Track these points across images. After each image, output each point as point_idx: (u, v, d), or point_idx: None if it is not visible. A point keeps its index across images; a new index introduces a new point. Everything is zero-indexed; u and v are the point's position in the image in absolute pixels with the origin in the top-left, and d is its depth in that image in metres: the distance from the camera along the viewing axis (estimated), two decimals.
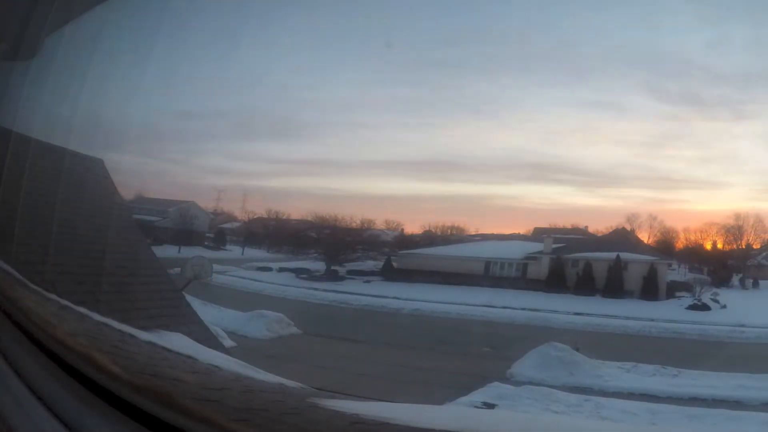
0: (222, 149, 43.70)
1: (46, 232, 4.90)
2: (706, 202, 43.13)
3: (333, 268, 34.52)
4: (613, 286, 29.23)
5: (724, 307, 26.99)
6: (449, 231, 40.62)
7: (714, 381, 15.16)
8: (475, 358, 17.88)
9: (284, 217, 42.93)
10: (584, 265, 30.49)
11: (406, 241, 38.64)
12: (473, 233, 39.25)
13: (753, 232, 34.43)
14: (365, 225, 39.13)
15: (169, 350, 1.66)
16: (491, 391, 13.96)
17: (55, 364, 1.52)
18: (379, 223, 40.21)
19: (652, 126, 36.51)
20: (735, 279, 33.69)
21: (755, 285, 32.65)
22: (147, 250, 10.28)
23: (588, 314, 25.57)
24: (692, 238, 36.95)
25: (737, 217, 34.26)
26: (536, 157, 40.39)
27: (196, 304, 12.02)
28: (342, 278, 33.64)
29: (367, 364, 16.44)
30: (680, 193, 43.32)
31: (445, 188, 45.60)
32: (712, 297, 28.54)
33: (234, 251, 41.06)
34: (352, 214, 38.88)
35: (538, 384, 14.71)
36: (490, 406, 12.41)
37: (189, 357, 1.68)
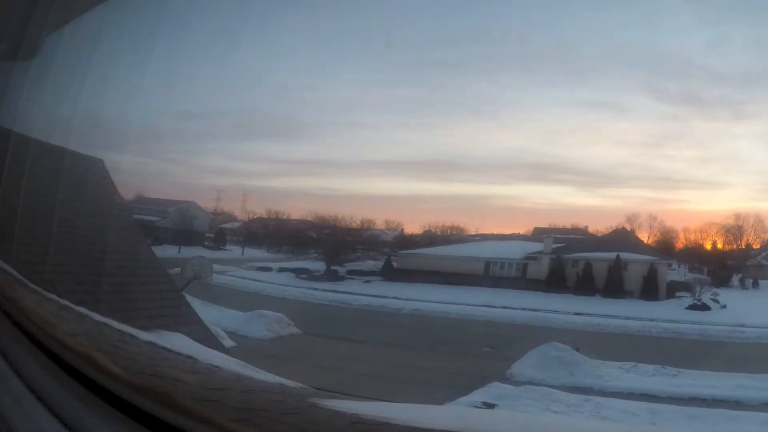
0: (222, 149, 43.79)
1: (46, 232, 4.90)
2: (706, 202, 43.28)
3: (333, 268, 34.53)
4: (613, 286, 29.23)
5: (724, 307, 26.99)
6: (449, 231, 40.66)
7: (714, 381, 15.16)
8: (475, 358, 17.89)
9: (284, 217, 42.98)
10: (584, 265, 30.49)
11: (406, 241, 38.65)
12: (473, 233, 39.29)
13: (753, 232, 34.47)
14: (365, 225, 39.16)
15: (169, 350, 1.66)
16: (491, 391, 13.96)
17: (55, 364, 1.52)
18: (379, 223, 40.26)
19: (652, 126, 36.58)
20: (735, 279, 33.69)
21: (755, 285, 32.65)
22: (147, 250, 10.28)
23: (588, 314, 25.57)
24: (692, 238, 36.99)
25: (737, 217, 34.31)
26: (536, 157, 40.54)
27: (196, 304, 12.02)
28: (342, 278, 33.65)
29: (367, 364, 16.44)
30: (680, 193, 43.48)
31: (445, 188, 45.67)
32: (712, 297, 28.55)
33: (234, 251, 41.07)
34: (352, 214, 38.95)
35: (538, 384, 14.71)
36: (490, 406, 12.41)
37: (189, 357, 1.68)
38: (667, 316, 25.29)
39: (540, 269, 31.44)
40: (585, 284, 29.60)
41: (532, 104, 37.96)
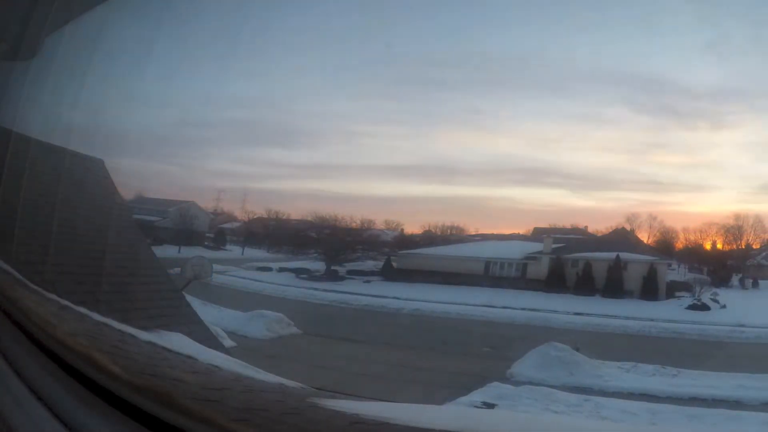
0: (223, 154, 44.44)
1: (46, 232, 4.90)
2: (698, 205, 43.74)
3: (333, 268, 34.53)
4: (613, 286, 29.23)
5: (724, 307, 27.00)
6: (449, 231, 40.66)
7: (714, 381, 15.16)
8: (475, 358, 17.89)
9: (284, 217, 42.98)
10: (584, 265, 30.49)
11: (406, 241, 38.65)
12: (473, 233, 39.31)
13: (752, 232, 34.48)
14: (365, 225, 39.16)
15: (169, 350, 1.66)
16: (491, 391, 13.96)
17: (55, 364, 1.52)
18: (379, 223, 40.27)
19: (633, 135, 38.02)
20: (735, 279, 33.70)
21: (755, 285, 32.65)
22: (147, 250, 10.27)
23: (588, 314, 25.57)
24: (692, 238, 37.01)
25: (737, 217, 34.34)
26: (527, 162, 41.91)
27: (196, 304, 12.02)
28: (342, 278, 33.65)
29: (367, 364, 16.44)
30: (672, 195, 44.36)
31: (442, 190, 46.24)
32: (712, 297, 28.55)
33: (234, 251, 41.06)
34: (352, 215, 39.02)
35: (538, 384, 14.71)
36: (490, 406, 12.41)
37: (189, 357, 1.68)
38: (666, 316, 25.29)
39: (540, 269, 31.44)
40: (585, 284, 29.60)
41: (517, 115, 39.17)
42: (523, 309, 26.51)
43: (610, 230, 35.70)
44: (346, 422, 1.10)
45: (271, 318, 20.57)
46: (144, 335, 1.79)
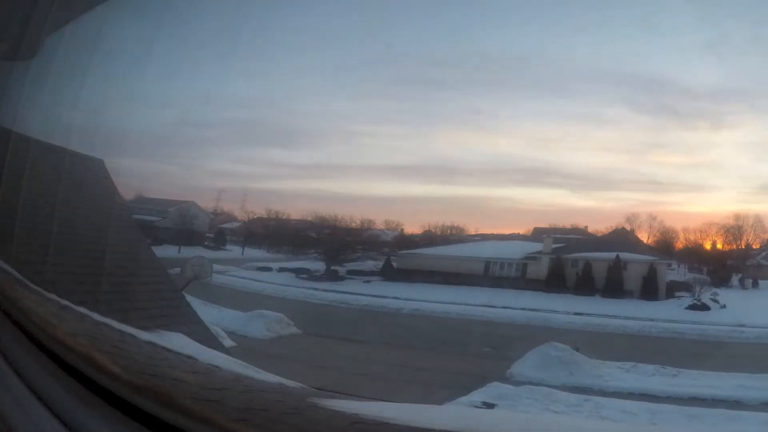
0: (223, 154, 44.54)
1: (46, 232, 4.90)
2: (698, 205, 43.82)
3: (333, 268, 34.53)
4: (613, 286, 29.23)
5: (724, 307, 27.00)
6: (449, 231, 40.67)
7: (714, 381, 15.16)
8: (474, 358, 17.89)
9: (284, 217, 42.99)
10: (584, 265, 30.50)
11: (406, 241, 38.65)
12: (473, 233, 39.32)
13: (752, 232, 34.48)
14: (365, 225, 39.16)
15: (169, 350, 1.66)
16: (491, 391, 13.96)
17: (55, 364, 1.52)
18: (379, 223, 40.28)
19: (633, 135, 38.12)
20: (734, 279, 33.70)
21: (755, 285, 32.65)
22: (147, 250, 10.27)
23: (588, 314, 25.57)
24: (692, 238, 37.02)
25: (737, 217, 34.34)
26: (527, 162, 42.20)
27: (196, 304, 12.02)
28: (342, 278, 33.65)
29: (367, 364, 16.44)
30: (672, 195, 44.48)
31: (442, 190, 46.34)
32: (712, 297, 28.54)
33: (234, 251, 41.06)
34: (352, 214, 39.05)
35: (538, 384, 14.71)
36: (490, 406, 12.41)
37: (189, 357, 1.68)
38: (666, 316, 25.29)
39: (540, 269, 31.44)
40: (585, 284, 29.60)
41: (517, 115, 39.19)
42: (523, 309, 26.51)
43: (610, 230, 35.74)
44: (346, 422, 1.10)
45: (271, 318, 20.57)
46: (144, 335, 1.79)
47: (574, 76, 37.16)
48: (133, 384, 1.26)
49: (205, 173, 47.41)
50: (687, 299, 28.22)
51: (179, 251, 29.73)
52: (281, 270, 35.54)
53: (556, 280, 30.19)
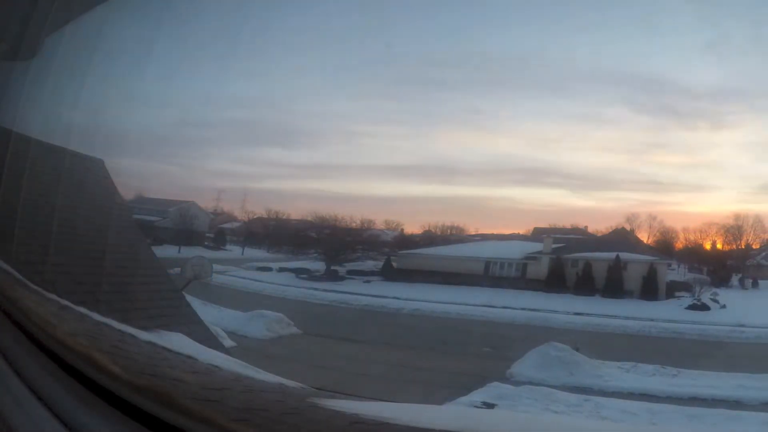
0: (224, 154, 44.65)
1: (46, 232, 4.90)
2: (699, 205, 43.91)
3: (333, 268, 34.53)
4: (613, 286, 29.23)
5: (724, 307, 27.00)
6: (449, 231, 40.68)
7: (714, 381, 15.16)
8: (474, 358, 17.89)
9: (284, 217, 43.00)
10: (584, 265, 30.49)
11: (406, 241, 38.66)
12: (473, 233, 39.33)
13: (752, 232, 34.48)
14: (365, 225, 39.16)
15: (169, 350, 1.66)
16: (491, 391, 13.96)
17: (55, 364, 1.52)
18: (379, 223, 40.30)
19: (633, 135, 38.16)
20: (734, 279, 33.70)
21: (755, 285, 32.65)
22: (147, 250, 10.27)
23: (588, 314, 25.57)
24: (692, 238, 37.03)
25: (737, 217, 34.35)
26: (527, 162, 42.46)
27: (196, 304, 12.02)
28: (342, 278, 33.65)
29: (367, 364, 16.44)
30: (672, 195, 44.62)
31: (442, 190, 46.47)
32: (712, 297, 28.54)
33: (234, 251, 41.06)
34: (352, 214, 39.08)
35: (538, 384, 14.71)
36: (490, 406, 12.41)
37: (189, 357, 1.68)
38: (666, 316, 25.29)
39: (540, 269, 31.44)
40: (585, 284, 29.60)
41: (517, 115, 39.32)
42: (523, 309, 26.51)
43: (610, 230, 35.74)
44: (346, 422, 1.10)
45: (271, 318, 20.57)
46: (144, 335, 1.79)
47: (573, 76, 37.42)
48: (133, 384, 1.26)
49: (205, 173, 47.53)
50: (687, 299, 28.22)
51: (179, 251, 29.73)
52: (281, 270, 35.54)
53: (556, 280, 30.19)
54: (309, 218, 40.24)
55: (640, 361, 16.82)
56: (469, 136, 40.25)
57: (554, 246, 32.08)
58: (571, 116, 38.67)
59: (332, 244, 35.68)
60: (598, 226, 38.25)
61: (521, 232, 38.42)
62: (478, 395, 13.41)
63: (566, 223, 38.75)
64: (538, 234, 35.61)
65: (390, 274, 33.89)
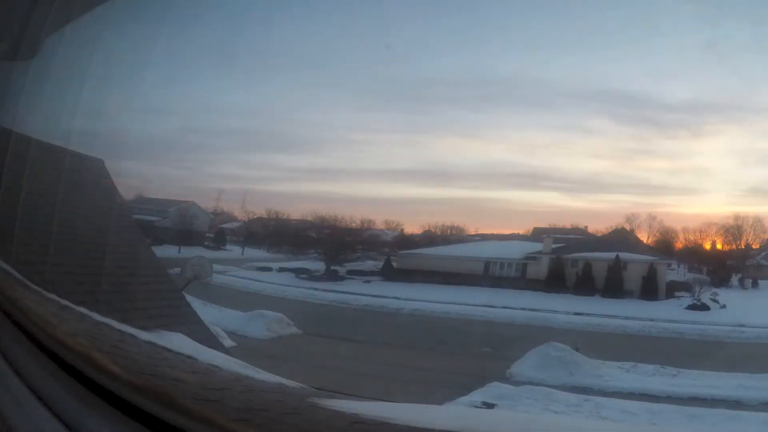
0: (228, 158, 45.34)
1: (46, 232, 4.90)
2: (693, 207, 44.32)
3: (333, 268, 34.53)
4: (613, 286, 29.23)
5: (724, 307, 27.00)
6: (449, 231, 40.70)
7: (714, 381, 15.17)
8: (474, 358, 17.89)
9: (284, 217, 43.01)
10: (584, 265, 30.49)
11: (405, 241, 38.67)
12: (473, 233, 39.36)
13: (752, 232, 34.50)
14: (365, 225, 39.17)
15: (169, 350, 1.66)
16: (491, 391, 13.97)
17: (55, 364, 1.52)
18: (379, 223, 40.33)
19: (617, 143, 40.35)
20: (734, 279, 33.71)
21: (754, 285, 32.66)
22: (147, 250, 10.27)
23: (588, 314, 25.57)
24: (691, 238, 37.04)
25: (736, 217, 34.37)
26: (519, 168, 44.81)
27: (196, 304, 12.02)
28: (342, 278, 33.65)
29: (367, 364, 16.44)
30: (663, 198, 45.38)
31: (441, 192, 46.95)
32: (712, 297, 28.55)
33: (234, 251, 41.07)
34: (352, 215, 39.18)
35: (538, 384, 14.72)
36: (489, 406, 12.41)
37: (189, 357, 1.68)
38: (666, 316, 25.29)
39: (540, 269, 31.44)
40: (585, 284, 29.60)
41: (507, 125, 41.17)
42: (523, 309, 26.51)
43: (610, 230, 35.76)
44: (346, 422, 1.10)
45: (271, 318, 20.57)
46: (144, 335, 1.79)
47: (557, 92, 40.09)
48: (133, 384, 1.26)
49: (209, 177, 48.00)
50: (687, 299, 28.23)
51: (179, 251, 29.73)
52: (281, 270, 35.54)
53: (556, 280, 30.19)
54: (309, 218, 40.31)
55: (640, 361, 16.83)
56: (463, 144, 41.57)
57: (554, 246, 32.09)
58: (558, 127, 40.29)
59: (332, 244, 35.69)
60: (598, 226, 38.46)
61: (521, 232, 38.50)
62: (478, 395, 13.41)
63: (566, 223, 38.93)
64: (537, 234, 35.63)
65: (390, 274, 33.89)
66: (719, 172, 37.11)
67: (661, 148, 36.88)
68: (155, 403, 1.19)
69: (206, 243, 39.96)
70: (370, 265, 35.56)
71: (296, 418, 1.16)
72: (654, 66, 34.29)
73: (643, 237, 35.91)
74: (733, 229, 34.87)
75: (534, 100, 40.48)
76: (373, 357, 17.41)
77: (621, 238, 33.23)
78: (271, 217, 43.65)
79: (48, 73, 3.74)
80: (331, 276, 33.80)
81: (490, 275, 32.02)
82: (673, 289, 29.55)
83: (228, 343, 14.66)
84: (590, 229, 37.87)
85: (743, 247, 34.62)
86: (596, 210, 44.59)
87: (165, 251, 26.67)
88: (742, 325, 22.85)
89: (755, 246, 34.36)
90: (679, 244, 36.89)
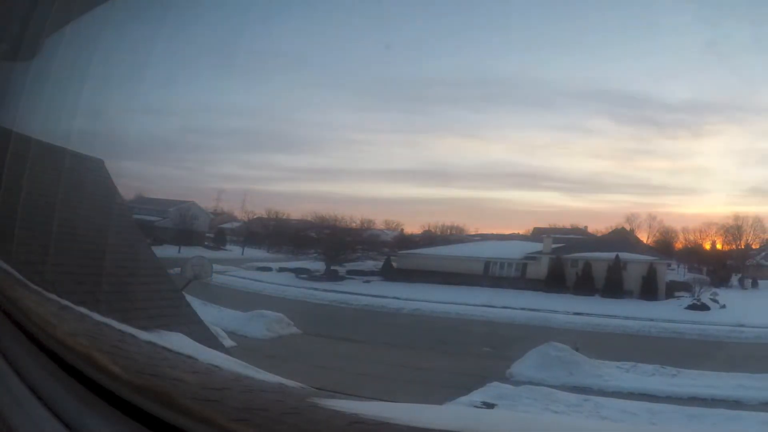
0: (228, 158, 45.41)
1: (46, 232, 4.90)
2: (691, 207, 44.37)
3: (333, 268, 34.52)
4: (613, 286, 29.23)
5: (723, 307, 27.00)
6: (449, 231, 40.70)
7: (713, 381, 15.17)
8: (474, 358, 17.89)
9: (284, 217, 43.02)
10: (584, 265, 30.49)
11: (405, 241, 38.67)
12: (473, 233, 39.37)
13: (752, 232, 34.50)
14: (365, 225, 39.18)
15: (169, 350, 1.66)
16: (491, 390, 13.97)
17: (55, 364, 1.52)
18: (379, 223, 40.35)
19: (617, 143, 40.57)
20: (734, 279, 33.71)
21: (754, 285, 32.66)
22: (147, 250, 10.27)
23: (587, 314, 25.58)
24: (691, 238, 37.05)
25: (736, 217, 34.39)
26: (519, 168, 44.79)
27: (196, 304, 12.02)
28: (342, 278, 33.64)
29: (367, 364, 16.44)
30: (664, 198, 45.37)
31: (442, 192, 47.03)
32: (711, 297, 28.55)
33: (234, 251, 41.06)
34: (352, 215, 39.23)
35: (538, 384, 14.72)
36: (489, 405, 12.41)
37: (189, 357, 1.68)
38: (666, 316, 25.30)
39: (539, 269, 31.45)
40: (584, 284, 29.61)
41: (506, 125, 41.50)
42: (523, 309, 26.51)
43: (610, 230, 35.77)
44: (345, 422, 1.10)
45: (271, 318, 20.57)
46: (144, 335, 1.79)
47: (557, 92, 40.46)
48: (133, 384, 1.26)
49: (209, 177, 48.07)
50: (687, 299, 28.23)
51: (179, 251, 29.73)
52: (281, 270, 35.54)
53: (555, 280, 30.19)
54: (309, 218, 40.32)
55: (640, 361, 16.83)
56: (463, 144, 41.71)
57: (554, 246, 32.09)
58: (558, 127, 40.26)
59: (332, 244, 35.69)
60: (598, 226, 38.53)
61: (521, 232, 38.51)
62: (478, 395, 13.41)
63: (566, 223, 38.98)
64: (537, 234, 35.63)
65: (390, 274, 33.89)
66: (719, 172, 37.23)
67: (661, 148, 37.01)
68: (155, 403, 1.19)
69: (206, 243, 39.96)
70: (370, 265, 35.55)
71: (296, 418, 1.16)
72: (654, 66, 34.56)
73: (643, 237, 35.97)
74: (733, 229, 34.92)
75: (534, 100, 40.74)
76: (373, 357, 17.41)
77: (621, 238, 33.23)
78: (271, 217, 43.67)
79: (48, 74, 3.74)
80: (331, 276, 33.80)
81: (490, 275, 32.02)
82: (673, 289, 29.55)
83: (228, 343, 14.66)
84: (590, 229, 37.93)
85: (743, 247, 34.64)
86: (596, 210, 44.67)
87: (165, 251, 26.67)
88: (742, 325, 22.85)
89: (755, 246, 34.39)
90: (679, 244, 36.95)
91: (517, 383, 14.88)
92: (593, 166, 43.20)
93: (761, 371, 15.33)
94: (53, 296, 2.07)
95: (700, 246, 36.91)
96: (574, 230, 37.36)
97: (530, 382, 14.89)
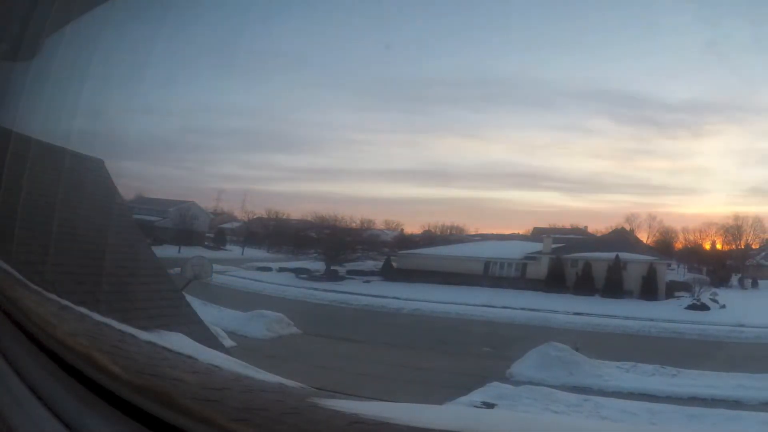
0: (228, 158, 45.48)
1: (46, 232, 4.90)
2: (691, 207, 44.38)
3: (333, 268, 34.52)
4: (613, 286, 29.24)
5: (723, 307, 27.01)
6: (449, 231, 40.70)
7: (713, 381, 15.17)
8: (474, 358, 17.89)
9: (284, 217, 43.03)
10: (584, 265, 30.50)
11: (405, 241, 38.67)
12: (473, 233, 39.38)
13: (752, 232, 34.51)
14: (365, 225, 39.18)
15: (169, 350, 1.66)
16: (491, 390, 13.96)
17: (55, 364, 1.52)
18: (379, 223, 40.36)
19: (617, 143, 40.72)
20: (734, 279, 33.71)
21: (754, 285, 32.66)
22: (147, 250, 10.27)
23: (587, 314, 25.58)
24: (691, 238, 37.06)
25: (736, 217, 34.40)
26: (519, 168, 44.74)
27: (196, 304, 12.02)
28: (342, 278, 33.64)
29: (367, 364, 16.44)
30: (664, 198, 45.43)
31: (442, 192, 47.08)
32: (711, 297, 28.55)
33: (234, 251, 41.06)
34: (352, 215, 39.25)
35: (538, 384, 14.71)
36: (489, 405, 12.41)
37: (189, 357, 1.68)
38: (666, 316, 25.30)
39: (539, 269, 31.45)
40: (584, 284, 29.61)
41: (506, 125, 41.54)
42: (523, 309, 26.51)
43: (610, 230, 35.78)
44: (345, 422, 1.10)
45: (271, 318, 20.57)
46: (144, 335, 1.79)
47: (557, 92, 40.64)
48: (133, 384, 1.26)
49: (209, 177, 48.12)
50: (686, 299, 28.23)
51: (179, 251, 29.73)
52: (281, 270, 35.54)
53: (555, 280, 30.20)
54: (309, 218, 40.32)
55: (640, 361, 16.83)
56: (463, 144, 41.79)
57: (554, 246, 32.09)
58: (558, 127, 40.29)
59: (332, 244, 35.69)
60: (598, 226, 38.57)
61: (521, 232, 38.53)
62: (478, 395, 13.41)
63: (566, 223, 39.01)
64: (537, 234, 35.63)
65: (390, 274, 33.89)
66: (719, 172, 37.29)
67: (661, 148, 37.09)
68: (155, 403, 1.19)
69: (206, 243, 39.97)
70: (370, 265, 35.56)
71: (296, 418, 1.16)
72: (654, 66, 34.59)
73: (643, 237, 35.98)
74: (733, 229, 34.93)
75: (534, 100, 40.89)
76: (373, 357, 17.41)
77: (621, 238, 33.23)
78: (271, 217, 43.68)
79: (48, 74, 3.74)
80: (331, 276, 33.80)
81: (490, 275, 32.02)
82: (672, 289, 29.56)
83: (228, 343, 14.66)
84: (590, 229, 37.95)
85: (743, 247, 34.64)
86: (596, 210, 44.76)
87: (165, 251, 26.67)
88: (742, 325, 22.85)
89: (755, 246, 34.39)
90: (678, 244, 36.96)
91: (517, 383, 14.88)
92: (593, 166, 43.34)
93: (761, 371, 15.32)
94: (53, 296, 2.07)
95: (700, 246, 36.96)
96: (574, 230, 37.38)
97: (530, 382, 14.89)
